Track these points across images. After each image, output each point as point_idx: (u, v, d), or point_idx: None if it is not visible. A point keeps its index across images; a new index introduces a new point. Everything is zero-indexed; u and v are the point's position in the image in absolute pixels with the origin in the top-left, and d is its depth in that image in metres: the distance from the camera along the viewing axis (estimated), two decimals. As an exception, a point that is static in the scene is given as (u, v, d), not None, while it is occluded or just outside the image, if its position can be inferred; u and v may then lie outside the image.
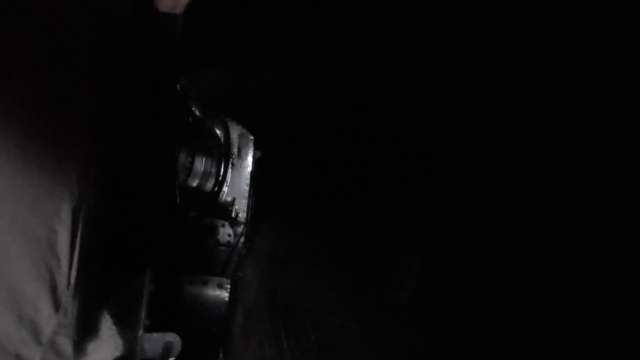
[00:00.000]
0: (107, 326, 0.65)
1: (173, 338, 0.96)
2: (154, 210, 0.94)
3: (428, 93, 1.27)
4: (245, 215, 1.37)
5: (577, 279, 1.12)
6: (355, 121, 1.35)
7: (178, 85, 1.28)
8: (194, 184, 1.31)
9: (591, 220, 1.10)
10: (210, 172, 1.34)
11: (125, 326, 0.88)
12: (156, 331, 1.05)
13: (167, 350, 0.95)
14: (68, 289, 0.53)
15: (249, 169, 1.40)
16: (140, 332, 1.00)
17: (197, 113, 1.36)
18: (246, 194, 1.39)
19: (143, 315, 1.00)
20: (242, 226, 1.37)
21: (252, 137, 1.41)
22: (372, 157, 1.35)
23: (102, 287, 0.67)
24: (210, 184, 1.35)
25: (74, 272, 0.53)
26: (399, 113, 1.31)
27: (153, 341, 0.96)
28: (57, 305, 0.53)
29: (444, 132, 1.28)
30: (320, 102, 1.37)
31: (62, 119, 0.52)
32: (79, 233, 0.53)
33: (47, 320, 0.51)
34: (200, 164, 1.31)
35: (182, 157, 1.28)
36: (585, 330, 1.08)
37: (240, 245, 1.32)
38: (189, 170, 1.29)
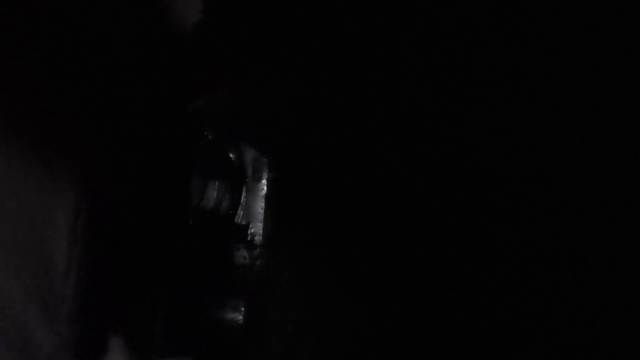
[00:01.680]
0: (118, 350, 0.63)
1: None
2: (163, 230, 0.93)
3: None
4: (261, 238, 1.36)
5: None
6: (376, 137, 1.33)
7: (191, 106, 1.29)
8: (208, 208, 1.31)
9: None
10: (225, 195, 1.35)
11: (139, 351, 0.87)
12: (171, 356, 1.04)
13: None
14: (63, 307, 0.51)
15: (264, 191, 1.40)
16: (155, 358, 0.99)
17: (210, 135, 1.37)
18: (262, 217, 1.38)
19: (157, 339, 0.99)
20: (258, 249, 1.36)
21: (266, 159, 1.40)
22: (396, 171, 1.33)
23: (110, 306, 0.66)
24: (224, 207, 1.35)
25: (70, 290, 0.51)
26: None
27: None
28: (50, 325, 0.51)
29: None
30: (339, 119, 1.36)
31: (57, 122, 0.51)
32: (76, 246, 0.51)
33: (41, 342, 0.49)
34: (213, 187, 1.32)
35: (195, 180, 1.29)
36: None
37: (256, 268, 1.31)
38: (203, 193, 1.30)
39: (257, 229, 1.37)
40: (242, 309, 1.20)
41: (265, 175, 1.39)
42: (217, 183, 1.32)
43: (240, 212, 1.37)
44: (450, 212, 1.18)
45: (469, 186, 1.16)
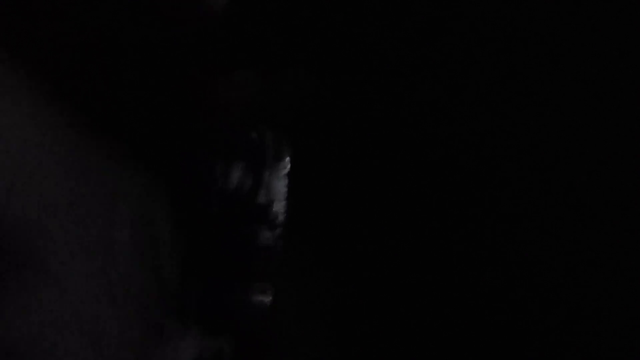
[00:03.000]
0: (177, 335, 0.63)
1: (224, 343, 0.95)
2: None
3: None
4: (283, 218, 1.35)
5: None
6: (396, 120, 1.32)
7: (209, 88, 1.27)
8: (230, 188, 1.30)
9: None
10: (246, 175, 1.33)
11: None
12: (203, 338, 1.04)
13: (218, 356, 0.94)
14: (130, 302, 0.51)
15: (286, 170, 1.38)
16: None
17: (230, 116, 1.35)
18: (284, 197, 1.37)
19: (191, 321, 0.99)
20: (280, 228, 1.35)
21: (288, 139, 1.39)
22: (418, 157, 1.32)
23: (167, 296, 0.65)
24: (246, 188, 1.33)
25: (135, 287, 0.51)
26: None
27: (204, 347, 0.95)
28: (118, 320, 0.50)
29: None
30: (361, 100, 1.34)
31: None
32: (142, 237, 0.50)
33: (113, 336, 0.49)
34: (234, 168, 1.30)
35: (217, 161, 1.27)
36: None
37: (279, 248, 1.31)
38: (225, 174, 1.28)
39: (278, 208, 1.36)
40: (269, 290, 1.20)
41: (286, 155, 1.37)
42: (238, 163, 1.30)
43: (261, 191, 1.36)
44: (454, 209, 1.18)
45: (468, 185, 1.16)
